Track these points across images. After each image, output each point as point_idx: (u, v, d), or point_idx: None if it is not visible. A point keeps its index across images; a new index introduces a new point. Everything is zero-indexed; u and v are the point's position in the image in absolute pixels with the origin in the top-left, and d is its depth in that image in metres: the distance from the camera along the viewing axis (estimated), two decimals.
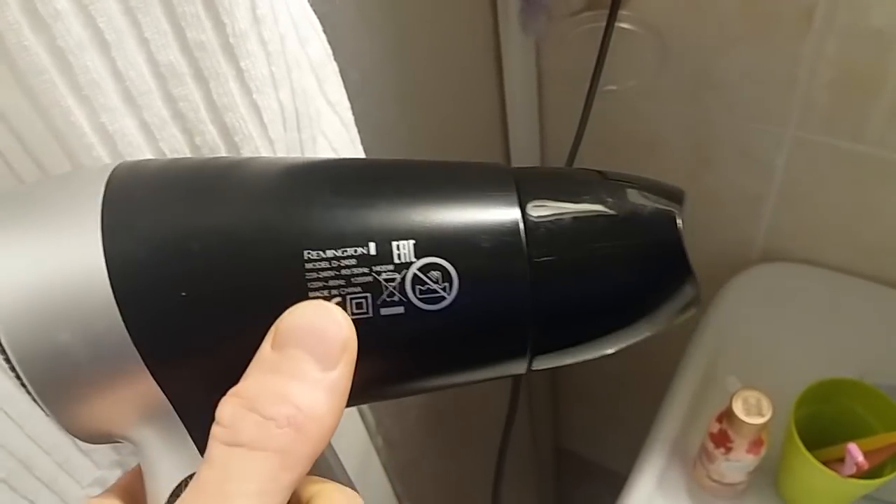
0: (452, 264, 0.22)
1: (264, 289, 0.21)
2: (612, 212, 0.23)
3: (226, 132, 0.31)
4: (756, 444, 0.64)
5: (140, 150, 0.29)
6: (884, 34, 0.63)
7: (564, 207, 0.23)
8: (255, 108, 0.31)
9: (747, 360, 0.78)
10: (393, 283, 0.22)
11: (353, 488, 0.27)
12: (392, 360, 0.23)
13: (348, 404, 0.22)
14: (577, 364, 0.26)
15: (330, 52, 0.39)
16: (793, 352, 0.78)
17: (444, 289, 0.22)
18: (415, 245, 0.22)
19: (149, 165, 0.24)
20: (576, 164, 0.69)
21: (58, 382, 0.21)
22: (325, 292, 0.21)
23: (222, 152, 0.31)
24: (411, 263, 0.22)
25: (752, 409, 0.62)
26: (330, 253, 0.21)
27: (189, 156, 0.31)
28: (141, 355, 0.21)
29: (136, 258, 0.21)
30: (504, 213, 0.23)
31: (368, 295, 0.22)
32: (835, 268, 0.84)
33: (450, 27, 0.71)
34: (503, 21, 0.75)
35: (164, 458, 0.23)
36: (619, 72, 0.77)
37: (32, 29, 0.24)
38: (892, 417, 0.62)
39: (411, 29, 0.64)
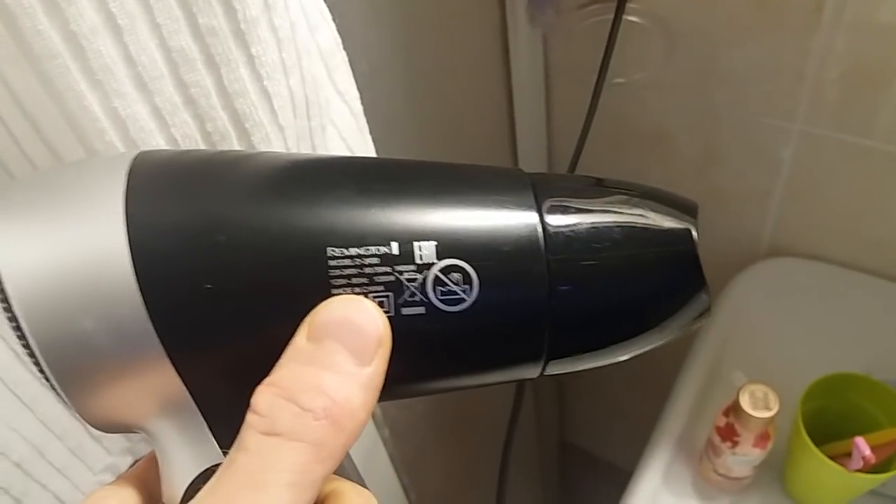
0: (473, 267, 0.22)
1: (288, 284, 0.21)
2: (628, 221, 0.24)
3: (236, 118, 0.31)
4: (763, 439, 0.64)
5: (151, 136, 0.29)
6: (893, 29, 0.62)
7: (582, 215, 0.24)
8: (266, 95, 0.31)
9: (754, 355, 0.78)
10: (414, 284, 0.22)
11: (362, 480, 0.27)
12: (409, 360, 0.23)
13: None
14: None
15: (339, 41, 0.39)
16: (799, 347, 0.78)
17: (464, 291, 0.22)
18: (437, 246, 0.22)
19: (171, 155, 0.24)
20: (583, 157, 0.69)
21: (78, 370, 0.21)
22: (349, 290, 0.22)
23: (233, 138, 0.31)
24: (433, 264, 0.22)
25: (759, 403, 0.62)
26: (353, 251, 0.22)
27: (200, 141, 0.31)
28: (163, 345, 0.21)
29: (161, 248, 0.21)
30: (524, 219, 0.23)
31: (390, 294, 0.22)
32: (842, 263, 0.83)
33: (458, 20, 0.72)
34: (511, 13, 0.75)
35: (182, 450, 0.23)
36: (627, 65, 0.77)
37: (46, 13, 0.25)
38: None
39: (420, 21, 0.64)
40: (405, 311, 0.22)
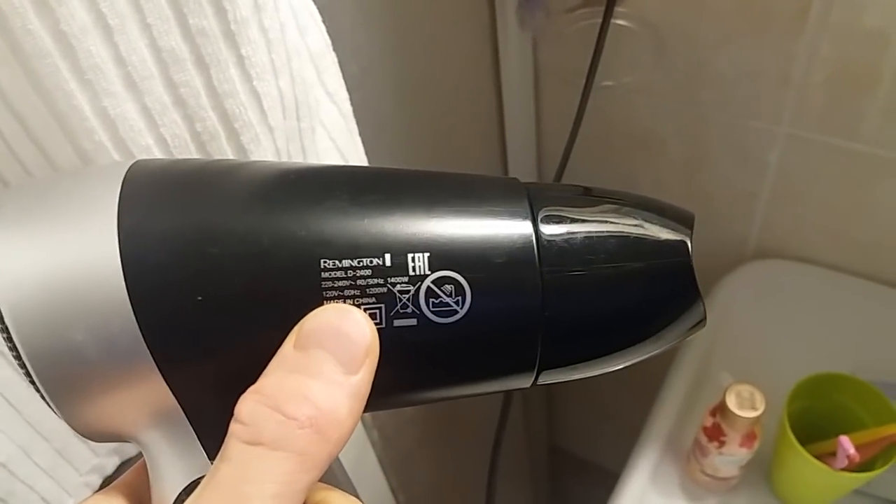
0: (466, 278, 0.22)
1: (280, 296, 0.21)
2: (624, 232, 0.24)
3: (226, 119, 0.31)
4: (749, 438, 0.64)
5: (141, 135, 0.29)
6: (878, 33, 0.63)
7: (577, 226, 0.23)
8: (256, 95, 0.31)
9: (741, 357, 0.79)
10: (407, 295, 0.22)
11: (351, 483, 0.27)
12: (401, 371, 0.23)
13: None
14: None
15: (329, 42, 0.40)
16: (786, 348, 0.78)
17: (456, 302, 0.22)
18: (429, 258, 0.22)
19: (165, 166, 0.24)
20: (572, 160, 0.69)
21: (68, 381, 0.21)
22: (340, 301, 0.22)
23: (222, 139, 0.31)
24: (426, 276, 0.22)
25: (745, 403, 0.62)
26: (346, 262, 0.21)
27: (189, 141, 0.31)
28: (154, 358, 0.21)
29: (153, 260, 0.21)
30: (518, 230, 0.23)
31: (382, 306, 0.22)
32: (828, 265, 0.84)
33: (448, 23, 0.72)
34: (501, 17, 0.76)
35: (172, 461, 0.23)
36: (616, 68, 0.77)
37: (37, 12, 0.25)
38: (883, 413, 0.63)
39: (410, 23, 0.64)
40: (397, 322, 0.22)
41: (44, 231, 0.21)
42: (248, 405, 0.20)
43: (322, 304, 0.21)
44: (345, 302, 0.22)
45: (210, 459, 0.23)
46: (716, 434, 0.65)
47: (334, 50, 0.41)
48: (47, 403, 0.22)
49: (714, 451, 0.65)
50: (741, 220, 0.86)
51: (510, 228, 0.23)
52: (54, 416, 0.35)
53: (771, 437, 0.67)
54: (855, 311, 0.81)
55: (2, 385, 0.33)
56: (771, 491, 0.70)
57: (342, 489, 0.25)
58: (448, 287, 0.22)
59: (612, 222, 0.24)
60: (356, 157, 0.44)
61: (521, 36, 0.78)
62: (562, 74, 0.84)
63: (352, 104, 0.43)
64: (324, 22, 0.40)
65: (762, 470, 0.71)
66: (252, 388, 0.20)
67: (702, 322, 0.25)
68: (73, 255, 0.20)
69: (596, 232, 0.23)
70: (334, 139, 0.41)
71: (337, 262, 0.21)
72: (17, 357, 0.21)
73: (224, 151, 0.32)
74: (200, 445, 0.23)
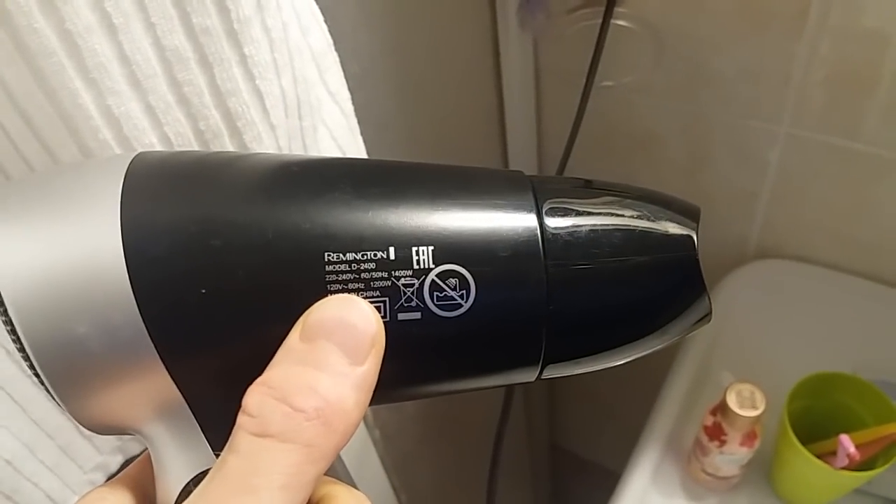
0: (470, 272, 0.22)
1: (284, 289, 0.21)
2: (629, 226, 0.24)
3: (229, 117, 0.31)
4: (750, 437, 0.64)
5: (145, 134, 0.29)
6: (877, 33, 0.63)
7: (582, 219, 0.23)
8: (258, 94, 0.31)
9: (742, 356, 0.79)
10: (411, 289, 0.22)
11: (353, 482, 0.27)
12: (405, 364, 0.23)
13: None
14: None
15: (331, 42, 0.40)
16: (787, 348, 0.78)
17: (461, 296, 0.22)
18: (434, 251, 0.22)
19: (167, 158, 0.24)
20: (572, 160, 0.70)
21: (72, 374, 0.21)
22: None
23: (225, 137, 0.32)
24: (430, 270, 0.22)
25: (745, 402, 0.63)
26: (350, 256, 0.21)
27: (192, 139, 0.31)
28: (157, 350, 0.21)
29: (156, 252, 0.21)
30: (522, 223, 0.23)
31: (386, 299, 0.22)
32: (828, 265, 0.84)
33: (449, 24, 0.72)
34: (501, 18, 0.76)
35: (176, 453, 0.23)
36: (616, 68, 0.77)
37: (42, 11, 0.25)
38: (884, 412, 0.63)
39: (411, 24, 0.64)
40: (401, 316, 0.22)
41: (47, 224, 0.21)
42: (256, 397, 0.20)
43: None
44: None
45: (214, 452, 0.23)
46: (716, 433, 0.65)
47: (336, 50, 0.41)
48: (51, 396, 0.22)
49: (715, 450, 0.65)
50: (742, 220, 0.87)
51: (515, 221, 0.23)
52: (59, 414, 0.36)
53: (772, 437, 0.67)
54: (855, 310, 0.81)
55: (6, 382, 0.33)
56: (771, 490, 0.70)
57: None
58: (452, 280, 0.22)
59: (617, 215, 0.24)
60: (357, 155, 0.44)
61: (521, 37, 0.78)
62: (563, 75, 0.84)
63: (354, 104, 0.43)
64: (326, 22, 0.40)
65: (763, 469, 0.71)
66: (259, 380, 0.20)
67: (707, 316, 0.25)
68: (77, 247, 0.20)
69: (601, 225, 0.23)
70: (336, 138, 0.41)
71: (341, 255, 0.21)
72: (21, 349, 0.21)
73: (226, 149, 0.32)
74: (204, 438, 0.23)
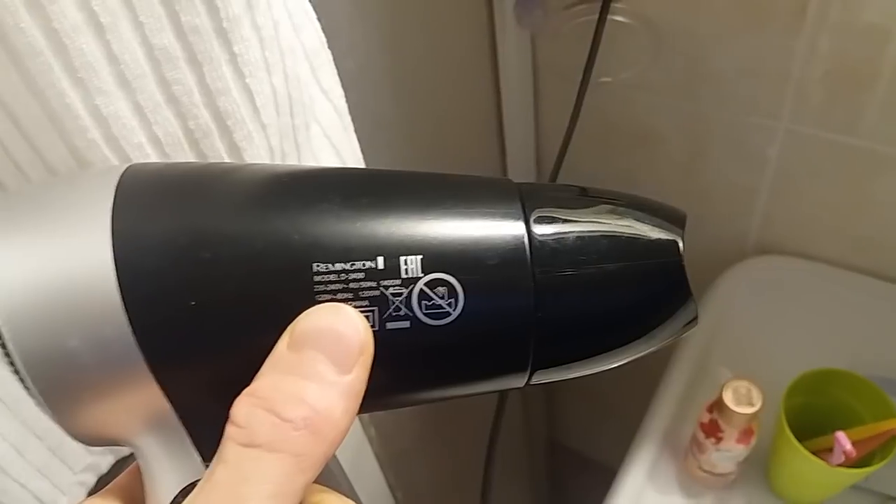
0: (458, 280, 0.22)
1: (273, 300, 0.21)
2: (616, 232, 0.24)
3: (219, 116, 0.31)
4: (746, 434, 0.64)
5: (133, 133, 0.29)
6: (877, 29, 0.63)
7: (569, 227, 0.23)
8: (248, 93, 0.31)
9: (739, 353, 0.79)
10: (400, 298, 0.22)
11: (348, 480, 0.27)
12: (394, 373, 0.23)
13: None
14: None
15: (324, 39, 0.40)
16: (785, 344, 0.78)
17: (449, 304, 0.22)
18: (422, 260, 0.22)
19: (158, 170, 0.24)
20: (571, 157, 0.69)
21: (63, 387, 0.21)
22: None
23: (215, 136, 0.31)
24: (419, 279, 0.22)
25: (742, 399, 0.62)
26: (339, 266, 0.21)
27: (182, 139, 0.31)
28: (147, 362, 0.21)
29: (147, 266, 0.21)
30: (510, 231, 0.23)
31: (375, 309, 0.22)
32: (827, 261, 0.84)
33: (445, 20, 0.72)
34: (499, 13, 0.75)
35: (167, 465, 0.23)
36: (613, 64, 0.77)
37: (28, 10, 0.25)
38: (881, 408, 0.63)
39: (407, 20, 0.64)
40: (390, 325, 0.22)
41: (37, 237, 0.21)
42: (244, 408, 0.20)
43: None
44: None
45: (204, 463, 0.23)
46: (713, 430, 0.65)
47: (330, 47, 0.41)
48: (42, 409, 0.22)
49: (711, 447, 0.65)
50: (740, 216, 0.86)
51: (502, 230, 0.23)
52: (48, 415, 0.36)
53: (768, 434, 0.67)
54: (853, 306, 0.81)
55: None
56: (768, 487, 0.71)
57: (340, 487, 0.25)
58: (441, 289, 0.22)
59: (603, 222, 0.24)
60: (352, 154, 0.44)
61: (519, 33, 0.77)
62: (560, 71, 0.84)
63: (348, 102, 0.43)
64: (320, 19, 0.40)
65: (760, 466, 0.71)
66: (247, 390, 0.20)
67: (693, 321, 0.25)
68: (67, 261, 0.21)
69: (588, 232, 0.23)
70: (329, 136, 0.41)
71: (329, 265, 0.21)
72: (11, 363, 0.21)
73: (217, 149, 0.32)
74: (195, 449, 0.23)
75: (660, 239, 0.24)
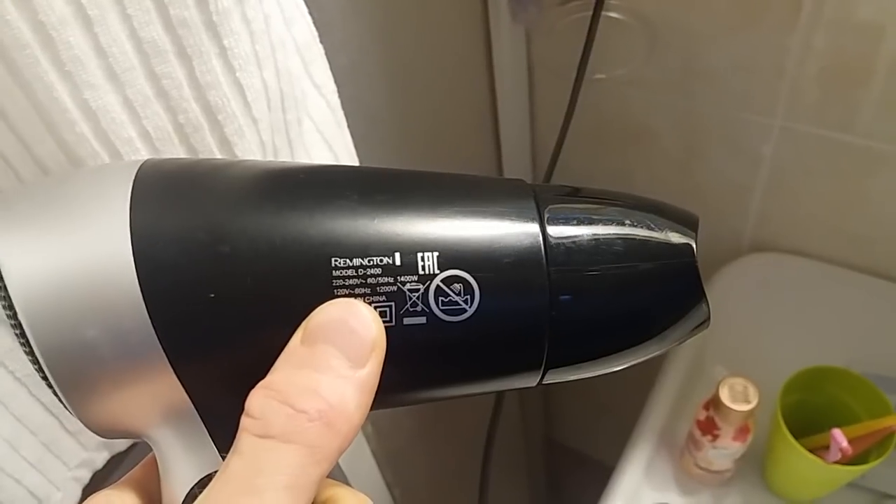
0: (474, 278, 0.22)
1: (291, 294, 0.22)
2: (630, 234, 0.24)
3: (209, 110, 0.31)
4: (742, 432, 0.64)
5: (123, 128, 0.29)
6: (871, 25, 0.63)
7: (584, 227, 0.24)
8: (239, 87, 0.31)
9: (735, 350, 0.79)
10: (416, 294, 0.22)
11: (345, 478, 0.27)
12: (410, 369, 0.23)
13: None
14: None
15: (316, 34, 0.39)
16: (781, 341, 0.78)
17: (465, 301, 0.22)
18: (438, 257, 0.22)
19: (177, 164, 0.24)
20: (566, 154, 0.69)
21: (81, 378, 0.21)
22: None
23: (205, 131, 0.31)
24: (435, 275, 0.22)
25: (738, 396, 0.62)
26: (357, 261, 0.22)
27: (172, 133, 0.31)
28: (166, 354, 0.21)
29: (165, 258, 0.21)
30: (525, 230, 0.23)
31: (392, 304, 0.22)
32: (823, 258, 0.84)
33: (440, 16, 0.72)
34: (493, 10, 0.75)
35: (183, 457, 0.23)
36: (608, 61, 0.77)
37: (14, 3, 0.24)
38: (877, 406, 0.63)
39: (401, 16, 0.64)
40: (407, 320, 0.22)
41: (57, 229, 0.21)
42: (259, 400, 0.20)
43: None
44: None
45: (221, 455, 0.23)
46: (709, 428, 0.65)
47: (323, 42, 0.41)
48: (59, 400, 0.22)
49: (707, 444, 0.65)
50: (736, 214, 0.86)
51: (518, 229, 0.23)
52: (42, 411, 0.35)
53: (764, 431, 0.67)
54: (849, 304, 0.80)
55: None
56: (764, 484, 0.70)
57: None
58: (457, 286, 0.22)
59: (618, 223, 0.24)
60: (345, 150, 0.44)
61: (513, 29, 0.77)
62: (555, 68, 0.84)
63: (341, 97, 0.43)
64: (313, 13, 0.39)
65: (756, 463, 0.71)
66: (261, 383, 0.21)
67: (706, 322, 0.26)
68: (86, 252, 0.21)
69: (602, 232, 0.24)
70: (322, 131, 0.41)
71: (348, 260, 0.22)
72: (30, 353, 0.21)
73: (207, 143, 0.32)
74: (211, 441, 0.23)
75: (674, 241, 0.25)
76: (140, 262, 0.21)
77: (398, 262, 0.22)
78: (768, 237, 0.87)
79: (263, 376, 0.21)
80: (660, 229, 0.25)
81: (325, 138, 0.41)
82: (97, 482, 0.39)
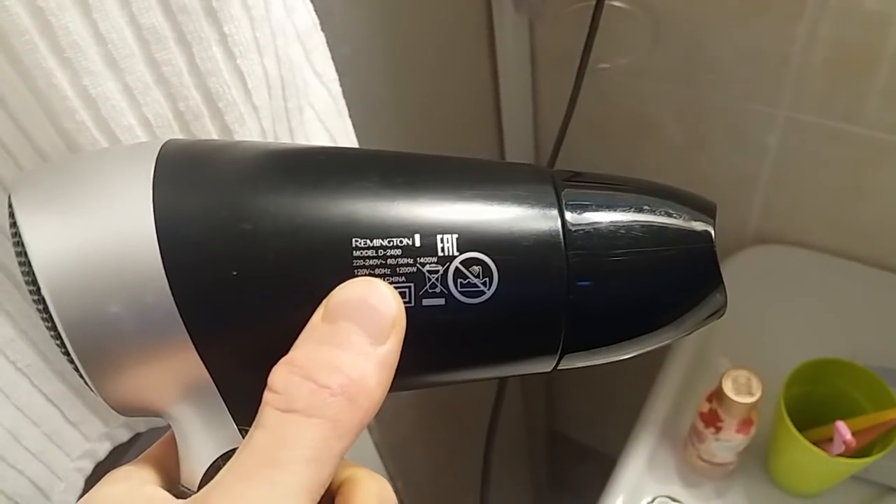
0: (493, 260, 0.23)
1: (312, 273, 0.22)
2: (649, 219, 0.24)
3: (209, 98, 0.31)
4: (746, 424, 0.64)
5: (123, 115, 0.29)
6: (878, 15, 0.62)
7: (602, 212, 0.24)
8: (239, 74, 0.31)
9: (739, 342, 0.78)
10: (436, 275, 0.22)
11: None
12: (428, 350, 0.24)
13: None
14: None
15: (317, 21, 0.39)
16: (785, 333, 0.78)
17: (484, 283, 0.23)
18: (458, 239, 0.22)
19: (198, 144, 0.25)
20: (569, 144, 0.69)
21: (103, 353, 0.22)
22: None
23: (206, 118, 0.31)
24: (454, 257, 0.22)
25: (741, 389, 0.62)
26: (377, 242, 0.22)
27: (172, 121, 0.30)
28: (188, 331, 0.21)
29: (188, 235, 0.21)
30: (544, 214, 0.23)
31: (412, 285, 0.22)
32: (828, 250, 0.84)
33: (443, 4, 0.71)
34: None
35: (202, 433, 0.23)
36: (612, 50, 0.76)
37: None
38: (881, 398, 0.63)
39: (403, 4, 0.63)
40: (426, 301, 0.22)
41: (80, 206, 0.21)
42: (282, 375, 0.21)
43: None
44: None
45: (240, 431, 0.23)
46: (712, 420, 0.64)
47: (325, 31, 0.40)
48: (81, 376, 0.22)
49: (711, 436, 0.65)
50: (740, 205, 0.86)
51: (537, 213, 0.23)
52: (44, 401, 0.35)
53: (768, 423, 0.67)
54: (854, 296, 0.80)
55: None
56: (768, 477, 0.70)
57: None
58: (476, 268, 0.23)
59: (637, 209, 0.24)
60: (346, 139, 0.44)
61: (517, 18, 0.77)
62: (558, 57, 0.83)
63: (343, 86, 0.43)
64: (315, 1, 0.39)
65: (759, 456, 0.71)
66: (284, 359, 0.21)
67: (722, 309, 0.26)
68: (110, 229, 0.21)
69: (621, 217, 0.24)
70: (323, 120, 0.41)
71: (368, 241, 0.22)
72: (53, 328, 0.21)
73: (208, 131, 0.31)
74: (230, 418, 0.23)
75: (693, 226, 0.25)
76: (163, 239, 0.21)
77: (418, 244, 0.22)
78: (773, 229, 0.87)
79: (283, 354, 0.21)
80: (679, 215, 0.25)
81: (326, 127, 0.41)
82: (100, 473, 0.39)
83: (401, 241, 0.22)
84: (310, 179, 0.23)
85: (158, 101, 0.29)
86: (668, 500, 0.69)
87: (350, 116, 0.44)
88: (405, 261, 0.22)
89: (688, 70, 0.76)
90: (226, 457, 0.23)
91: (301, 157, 0.25)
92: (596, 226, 0.24)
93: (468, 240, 0.23)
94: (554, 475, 1.64)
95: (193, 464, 0.23)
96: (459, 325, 0.23)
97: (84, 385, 0.24)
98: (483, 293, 0.23)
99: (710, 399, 0.66)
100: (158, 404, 0.23)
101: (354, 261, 0.22)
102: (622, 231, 0.24)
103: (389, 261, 0.22)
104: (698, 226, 0.25)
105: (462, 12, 0.75)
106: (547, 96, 0.89)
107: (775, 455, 0.68)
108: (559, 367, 0.25)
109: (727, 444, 0.65)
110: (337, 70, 0.42)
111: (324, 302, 0.22)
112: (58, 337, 0.21)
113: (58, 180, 0.22)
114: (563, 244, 0.23)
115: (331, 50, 0.41)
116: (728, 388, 0.62)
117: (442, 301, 0.22)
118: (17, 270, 0.29)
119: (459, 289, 0.22)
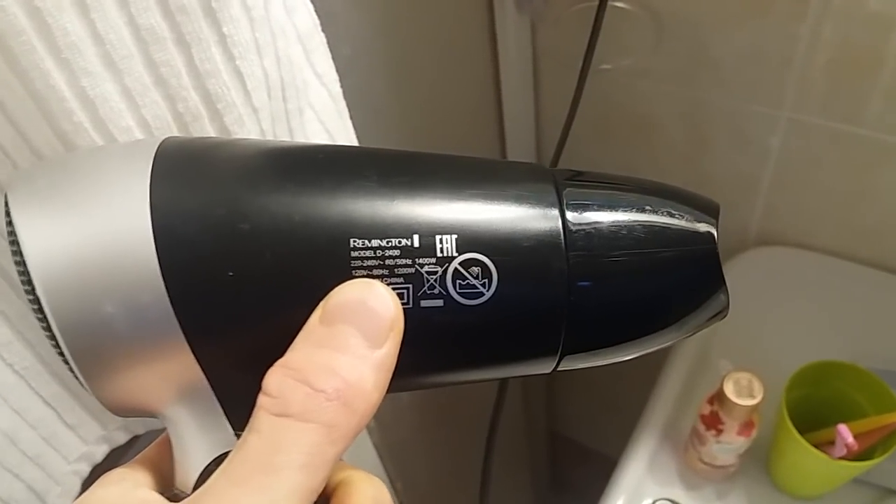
0: (492, 261, 0.22)
1: (310, 273, 0.22)
2: (650, 220, 0.24)
3: (208, 99, 0.30)
4: (747, 427, 0.64)
5: (121, 116, 0.28)
6: (881, 16, 0.62)
7: (604, 213, 0.24)
8: (239, 75, 0.31)
9: (741, 344, 0.78)
10: (434, 276, 0.22)
11: None
12: (426, 351, 0.23)
13: None
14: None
15: (318, 22, 0.39)
16: (787, 335, 0.78)
17: (483, 285, 0.22)
18: (457, 240, 0.22)
19: (196, 142, 0.24)
20: (572, 145, 0.68)
21: (98, 353, 0.21)
22: None
23: (205, 120, 0.31)
24: (453, 258, 0.22)
25: (743, 391, 0.62)
26: (375, 242, 0.22)
27: (171, 122, 0.30)
28: (183, 330, 0.21)
29: (185, 234, 0.21)
30: (545, 215, 0.23)
31: (410, 286, 0.22)
32: (830, 252, 0.83)
33: (444, 5, 0.71)
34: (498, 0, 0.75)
35: (197, 435, 0.23)
36: (615, 51, 0.76)
37: None
38: (884, 401, 0.62)
39: (404, 5, 0.63)
40: (424, 303, 0.22)
41: (76, 204, 0.21)
42: (277, 378, 0.20)
43: None
44: None
45: (236, 434, 0.23)
46: (714, 422, 0.64)
47: (326, 32, 0.40)
48: (76, 376, 0.22)
49: (712, 439, 0.65)
50: (742, 207, 0.86)
51: (537, 213, 0.23)
52: (41, 404, 0.35)
53: (769, 426, 0.67)
54: (856, 298, 0.80)
55: None
56: (769, 480, 0.70)
57: None
58: (475, 269, 0.22)
59: (638, 210, 0.24)
60: (347, 141, 0.43)
61: (519, 19, 0.77)
62: (561, 58, 0.83)
63: (344, 88, 0.42)
64: (315, 2, 0.39)
65: (760, 458, 0.70)
66: (279, 362, 0.21)
67: (724, 311, 0.26)
68: (106, 227, 0.21)
69: (623, 218, 0.24)
70: (323, 121, 0.40)
71: (366, 241, 0.22)
72: (47, 328, 0.21)
73: (207, 132, 0.31)
74: (226, 420, 0.23)
75: (694, 228, 0.24)
76: (159, 238, 0.21)
77: (416, 244, 0.22)
78: (775, 230, 0.86)
79: (280, 355, 0.21)
80: (681, 216, 0.24)
81: (326, 128, 0.41)
82: (96, 476, 0.39)
83: (399, 242, 0.22)
84: (308, 178, 0.23)
85: (157, 103, 0.29)
86: (669, 503, 0.69)
87: (351, 118, 0.44)
88: (403, 261, 0.22)
89: (690, 71, 0.76)
90: (220, 460, 0.23)
91: (299, 156, 0.24)
92: (597, 226, 0.23)
93: (467, 240, 0.22)
94: (554, 477, 1.63)
95: (188, 466, 0.23)
96: (458, 327, 0.23)
97: (81, 388, 0.24)
98: (482, 294, 0.22)
99: (711, 401, 0.65)
100: (154, 405, 0.23)
101: (352, 261, 0.22)
102: (624, 231, 0.23)
103: (388, 261, 0.22)
104: (701, 227, 0.24)
105: (464, 13, 0.74)
106: (549, 98, 0.89)
107: (777, 458, 0.68)
108: (559, 369, 0.25)
109: (728, 446, 0.65)
110: (338, 71, 0.42)
111: (321, 303, 0.21)
112: (53, 337, 0.21)
113: (54, 178, 0.22)
114: (563, 244, 0.23)
115: (332, 51, 0.41)
116: (729, 391, 0.62)
117: (440, 302, 0.22)
118: (14, 272, 0.29)
119: (458, 290, 0.22)
